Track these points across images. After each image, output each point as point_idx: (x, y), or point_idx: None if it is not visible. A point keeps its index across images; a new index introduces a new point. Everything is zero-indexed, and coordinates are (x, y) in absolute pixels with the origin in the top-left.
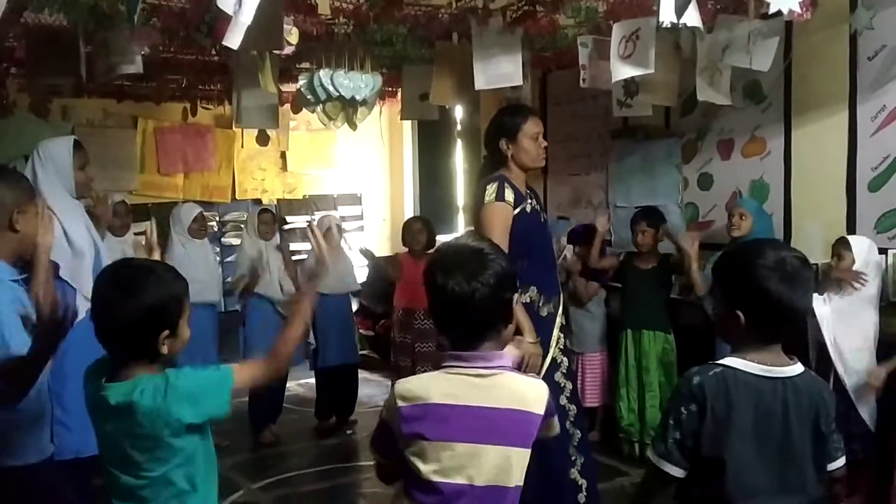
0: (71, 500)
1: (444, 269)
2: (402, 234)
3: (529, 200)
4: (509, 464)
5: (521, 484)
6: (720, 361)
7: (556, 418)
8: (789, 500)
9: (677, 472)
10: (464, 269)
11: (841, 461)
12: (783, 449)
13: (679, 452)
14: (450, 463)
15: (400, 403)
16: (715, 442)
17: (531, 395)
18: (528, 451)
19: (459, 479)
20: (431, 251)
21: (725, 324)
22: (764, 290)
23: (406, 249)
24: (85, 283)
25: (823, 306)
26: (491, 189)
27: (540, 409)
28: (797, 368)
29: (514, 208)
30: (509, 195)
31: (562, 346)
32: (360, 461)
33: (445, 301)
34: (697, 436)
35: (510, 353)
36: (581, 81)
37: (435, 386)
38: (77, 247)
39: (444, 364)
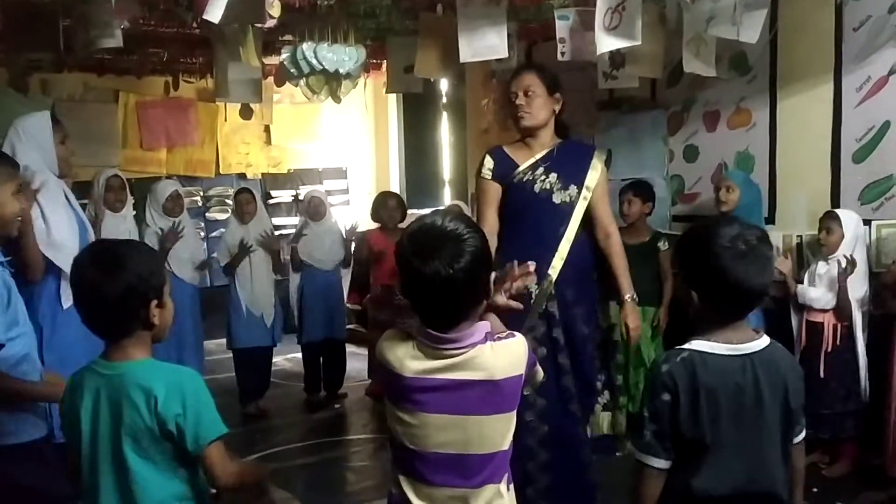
0: (65, 483)
1: (421, 253)
2: (376, 209)
3: (527, 171)
4: (488, 432)
5: (506, 448)
6: (687, 346)
7: (538, 368)
8: (759, 475)
9: (660, 463)
10: (441, 253)
11: (801, 436)
12: (757, 422)
13: (659, 444)
14: (416, 431)
15: (378, 356)
16: (694, 427)
17: (505, 362)
18: (510, 414)
19: (427, 448)
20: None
21: (685, 302)
22: (717, 269)
23: (377, 225)
24: (69, 266)
25: (813, 290)
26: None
27: (518, 370)
28: (763, 342)
29: (500, 180)
30: (486, 168)
31: (538, 336)
32: (350, 435)
33: (422, 286)
34: (675, 424)
35: (484, 323)
36: (560, 55)
37: (408, 361)
38: (54, 227)
39: (419, 338)
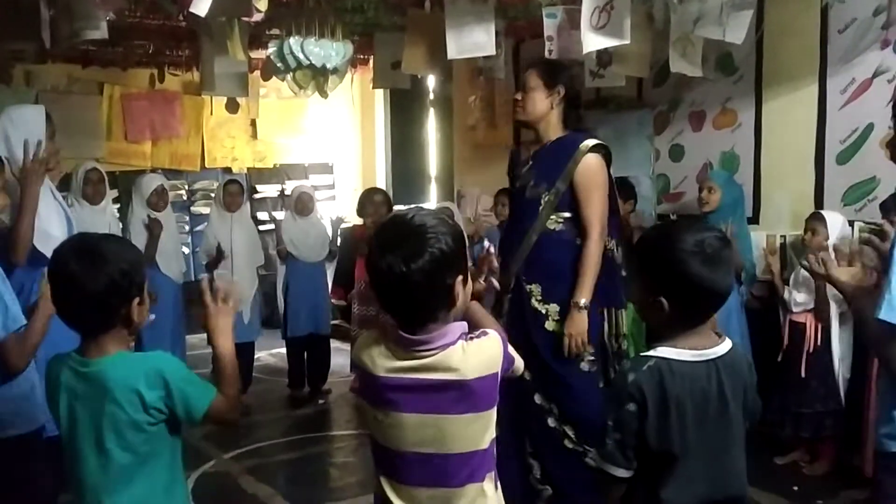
0: (51, 476)
1: (382, 247)
2: (362, 205)
3: (523, 166)
4: (463, 431)
5: (486, 447)
6: (652, 353)
7: (517, 364)
8: (724, 481)
9: (622, 472)
10: (401, 249)
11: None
12: (722, 427)
13: (621, 453)
14: (391, 431)
15: (354, 358)
16: (662, 437)
17: (476, 362)
18: (486, 413)
19: (402, 447)
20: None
21: (650, 310)
22: (686, 274)
23: (361, 220)
24: None
25: (795, 293)
26: None
27: (492, 369)
28: (726, 346)
29: (510, 177)
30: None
31: None
32: (333, 430)
33: (379, 280)
34: (641, 434)
35: (459, 324)
36: (547, 53)
37: (380, 360)
38: (45, 220)
39: (391, 338)
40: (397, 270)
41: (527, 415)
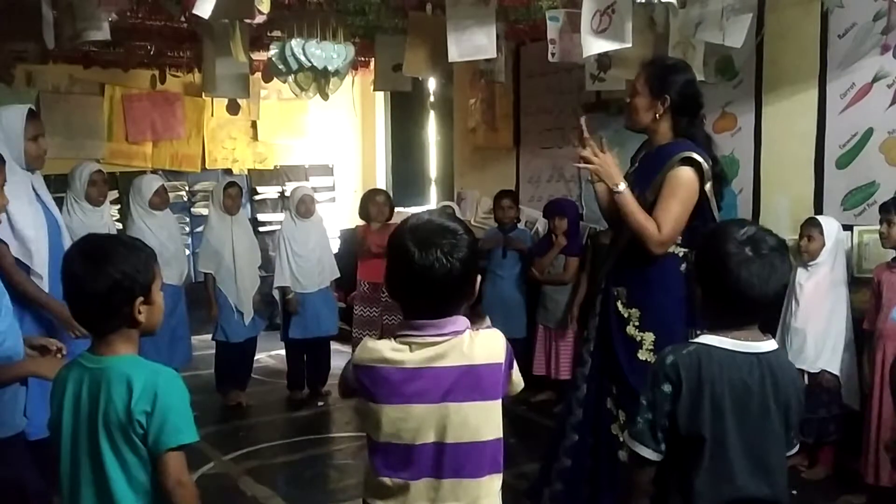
0: (39, 478)
1: (421, 244)
2: (365, 205)
3: (630, 171)
4: (473, 421)
5: (493, 438)
6: (695, 340)
7: (516, 370)
8: (763, 480)
9: (649, 453)
10: (440, 245)
11: (795, 449)
12: (763, 424)
13: (650, 433)
14: (404, 425)
15: (358, 363)
16: (692, 420)
17: (483, 350)
18: (493, 402)
19: (415, 440)
20: (392, 223)
21: (706, 309)
22: (721, 271)
23: (363, 222)
24: (36, 260)
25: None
26: None
27: (497, 359)
28: (772, 345)
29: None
30: None
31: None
32: (332, 433)
33: (417, 275)
34: (672, 416)
35: (464, 318)
36: (550, 56)
37: (389, 354)
38: (17, 222)
39: (398, 333)
40: (443, 262)
41: (597, 417)
